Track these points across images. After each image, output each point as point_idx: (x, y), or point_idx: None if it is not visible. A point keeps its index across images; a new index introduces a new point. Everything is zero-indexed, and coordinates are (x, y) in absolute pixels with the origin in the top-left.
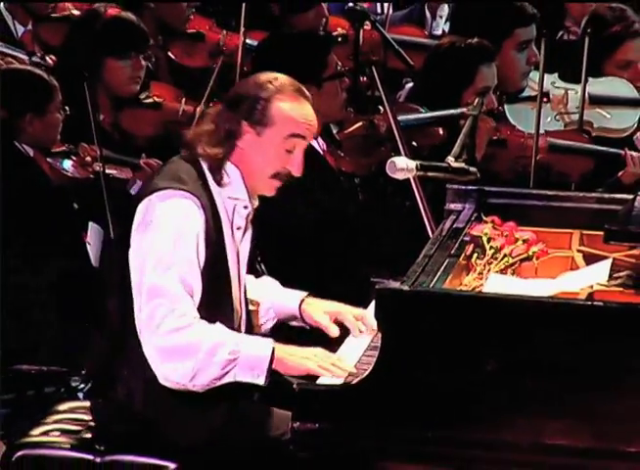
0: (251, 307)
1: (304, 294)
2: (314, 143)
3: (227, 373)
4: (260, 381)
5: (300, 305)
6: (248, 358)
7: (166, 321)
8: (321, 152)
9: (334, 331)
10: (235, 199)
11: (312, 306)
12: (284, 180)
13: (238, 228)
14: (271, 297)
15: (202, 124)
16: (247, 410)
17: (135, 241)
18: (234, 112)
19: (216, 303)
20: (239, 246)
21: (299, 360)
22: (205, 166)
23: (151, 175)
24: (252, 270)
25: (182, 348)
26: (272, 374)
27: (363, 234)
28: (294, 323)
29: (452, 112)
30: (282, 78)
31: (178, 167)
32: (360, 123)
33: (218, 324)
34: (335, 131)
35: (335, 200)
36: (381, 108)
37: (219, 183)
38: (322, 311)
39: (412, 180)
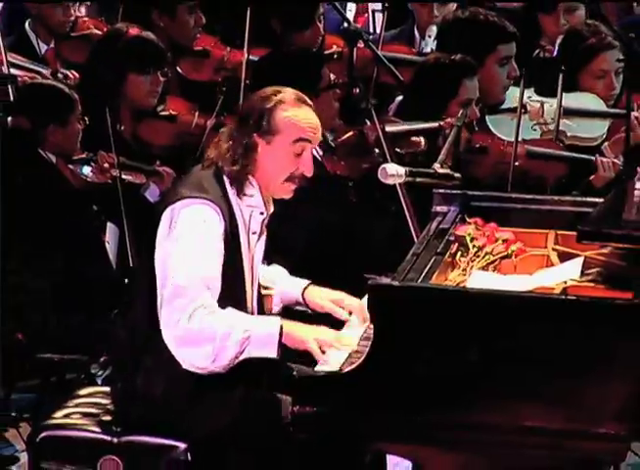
0: (266, 292)
1: (307, 282)
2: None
3: (243, 351)
4: (273, 354)
5: (303, 293)
6: (259, 336)
7: (185, 314)
8: (319, 157)
9: (342, 314)
10: (252, 206)
11: (314, 294)
12: (298, 182)
13: (254, 233)
14: (279, 285)
15: (221, 143)
16: (255, 396)
17: (161, 245)
18: (246, 127)
19: (231, 300)
20: (254, 249)
21: (305, 335)
22: (225, 178)
23: (174, 184)
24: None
25: (200, 334)
26: (281, 347)
27: (355, 231)
28: (298, 307)
29: (431, 125)
30: (283, 90)
31: (200, 178)
32: (352, 132)
33: (229, 308)
34: (330, 138)
35: (330, 200)
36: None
37: (239, 195)
38: (326, 298)
39: (398, 186)
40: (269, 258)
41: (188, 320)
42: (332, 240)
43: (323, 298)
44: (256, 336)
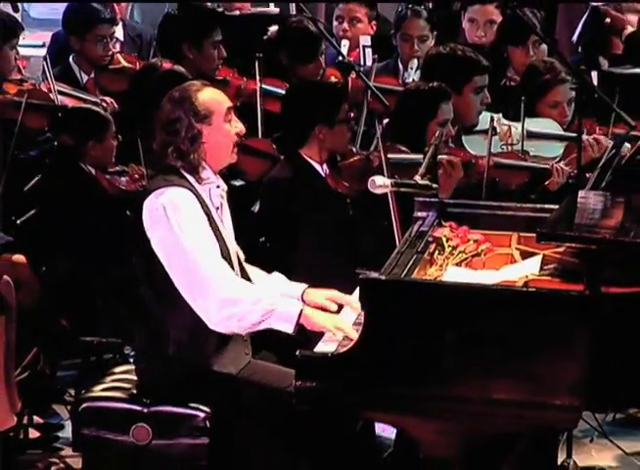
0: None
1: (305, 286)
2: (319, 168)
3: (264, 321)
4: (290, 330)
5: (302, 295)
6: (282, 311)
7: (222, 282)
8: (324, 175)
9: (331, 306)
10: (209, 183)
11: (312, 295)
12: (237, 144)
13: (217, 208)
14: (279, 290)
15: (161, 151)
16: (266, 368)
17: (152, 234)
18: (179, 124)
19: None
20: (224, 220)
21: (320, 322)
22: (182, 171)
23: (142, 191)
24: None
25: (236, 299)
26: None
27: (351, 238)
28: None
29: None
30: (182, 86)
31: (162, 176)
32: (358, 157)
33: (260, 285)
34: (338, 160)
35: (331, 212)
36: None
37: (198, 181)
38: (322, 297)
39: (389, 196)
40: (272, 266)
41: (233, 289)
42: (332, 242)
43: (318, 296)
44: (280, 310)
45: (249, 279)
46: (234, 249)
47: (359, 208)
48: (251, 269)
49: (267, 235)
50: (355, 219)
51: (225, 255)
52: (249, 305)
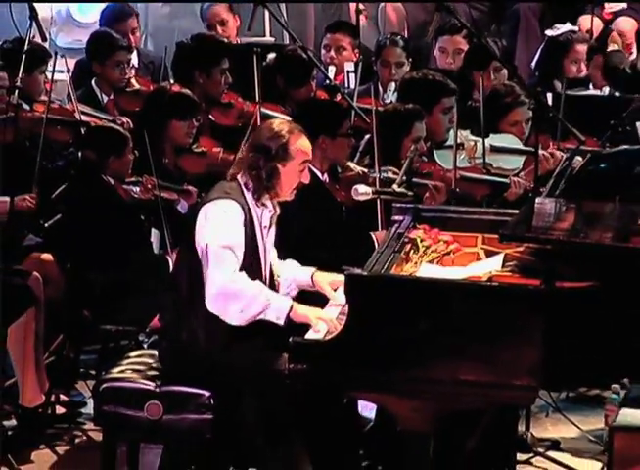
0: (276, 279)
1: (314, 269)
2: (320, 175)
3: (262, 313)
4: (280, 322)
5: (312, 278)
6: (276, 306)
7: (226, 275)
8: (324, 183)
9: (331, 296)
10: (264, 206)
11: (319, 278)
12: (298, 188)
13: (264, 227)
14: (293, 274)
15: (242, 163)
16: (266, 353)
17: (200, 233)
18: (267, 154)
19: (251, 273)
20: (266, 239)
21: (304, 316)
22: (243, 187)
23: (206, 193)
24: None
25: (239, 291)
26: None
27: (342, 240)
28: (308, 289)
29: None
30: (288, 124)
31: (224, 187)
32: (355, 172)
33: (257, 281)
34: (339, 171)
35: (329, 216)
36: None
37: (257, 203)
38: (326, 282)
39: (378, 203)
40: (285, 254)
41: (233, 282)
42: (328, 242)
43: (323, 281)
44: (274, 305)
45: (275, 290)
46: (265, 257)
47: (352, 215)
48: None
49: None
50: (348, 225)
51: (254, 262)
52: (248, 299)
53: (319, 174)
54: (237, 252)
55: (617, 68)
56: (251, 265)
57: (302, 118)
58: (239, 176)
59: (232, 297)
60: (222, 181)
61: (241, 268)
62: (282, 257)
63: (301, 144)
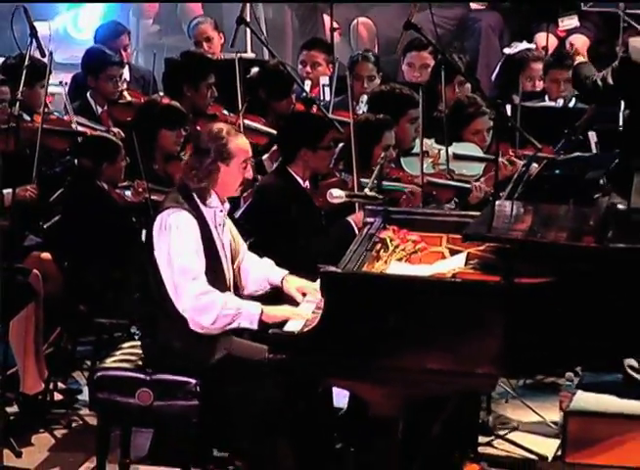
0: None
1: (286, 272)
2: (302, 182)
3: (233, 322)
4: (254, 327)
5: (282, 281)
6: (247, 314)
7: (194, 289)
8: (306, 189)
9: (299, 299)
10: (213, 207)
11: (289, 283)
12: (243, 184)
13: (219, 225)
14: (266, 274)
15: (186, 168)
16: (243, 344)
17: (157, 244)
18: (207, 156)
19: (214, 276)
20: (222, 236)
21: (277, 316)
22: (194, 194)
23: (161, 201)
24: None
25: (210, 305)
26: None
27: (319, 241)
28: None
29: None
30: (223, 126)
31: (176, 196)
32: (335, 179)
33: (227, 292)
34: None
35: (308, 219)
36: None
37: (204, 202)
38: (294, 287)
39: (357, 207)
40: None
41: (204, 296)
42: (300, 243)
43: (291, 287)
44: (244, 313)
45: (239, 282)
46: (226, 256)
47: (329, 218)
48: (249, 255)
49: (255, 232)
50: (325, 227)
51: (214, 266)
52: (219, 310)
53: (301, 181)
54: (199, 263)
55: (588, 78)
56: (212, 266)
57: (286, 132)
58: (186, 181)
59: (203, 311)
60: (171, 190)
61: (205, 272)
62: (261, 255)
63: (240, 143)
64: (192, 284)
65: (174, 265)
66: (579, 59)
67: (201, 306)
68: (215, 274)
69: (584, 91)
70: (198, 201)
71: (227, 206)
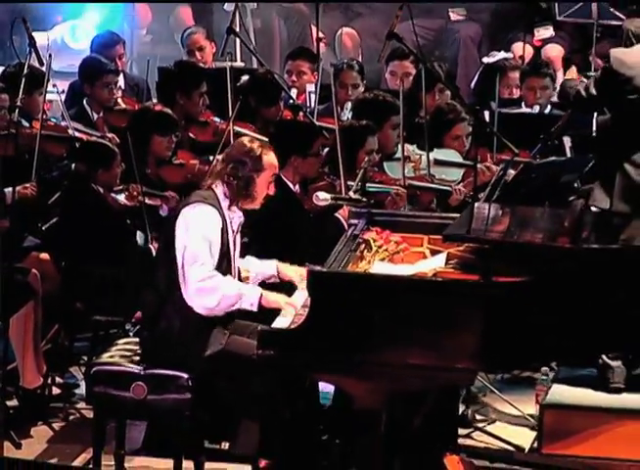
0: (244, 275)
1: (275, 261)
2: (292, 186)
3: (236, 303)
4: (254, 309)
5: (277, 269)
6: (248, 296)
7: (201, 273)
8: (296, 193)
9: (296, 280)
10: (234, 213)
11: (284, 269)
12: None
13: (233, 231)
14: (258, 268)
15: (218, 173)
16: (236, 340)
17: (179, 235)
18: (243, 166)
19: (223, 271)
20: (235, 242)
21: (275, 301)
22: (219, 194)
23: (185, 198)
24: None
25: (215, 287)
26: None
27: (309, 242)
28: (270, 281)
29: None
30: (259, 140)
31: (202, 194)
32: (325, 182)
33: (229, 276)
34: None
35: (298, 221)
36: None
37: (229, 208)
38: (291, 270)
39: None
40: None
41: (210, 279)
42: (296, 244)
43: (289, 269)
44: (246, 296)
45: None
46: (237, 261)
47: (317, 220)
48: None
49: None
50: (313, 229)
51: (225, 262)
52: (223, 292)
53: (291, 186)
54: (213, 251)
55: (572, 88)
56: (223, 266)
57: (277, 139)
58: (214, 186)
59: (209, 292)
60: (197, 190)
61: (215, 268)
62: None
63: (271, 158)
64: (200, 268)
65: (187, 249)
66: (570, 75)
67: (206, 289)
68: (224, 270)
69: (569, 101)
70: (224, 206)
71: (242, 218)
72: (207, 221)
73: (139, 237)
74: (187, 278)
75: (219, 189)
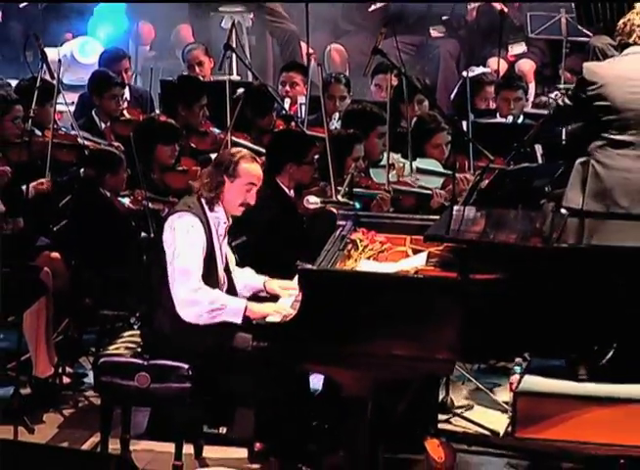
0: (235, 280)
1: (266, 278)
2: (287, 191)
3: (219, 316)
4: (238, 321)
5: (264, 284)
6: (232, 309)
7: (189, 286)
8: (291, 197)
9: (282, 294)
10: (219, 218)
11: (270, 283)
12: (245, 206)
13: (220, 235)
14: (248, 280)
15: (202, 179)
16: (231, 334)
17: (165, 242)
18: (219, 170)
19: (209, 277)
20: (221, 244)
21: (260, 311)
22: (203, 201)
23: (173, 206)
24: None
25: (199, 301)
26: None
27: (301, 243)
28: (261, 294)
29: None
30: (242, 150)
31: (187, 201)
32: (317, 188)
33: (217, 290)
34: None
35: (292, 223)
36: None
37: (210, 211)
38: (277, 285)
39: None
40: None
41: (194, 292)
42: (284, 244)
43: (274, 286)
44: (229, 308)
45: (233, 287)
46: (223, 263)
47: (310, 223)
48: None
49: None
50: (306, 231)
51: (210, 268)
52: (207, 305)
53: (287, 191)
54: (197, 262)
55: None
56: (209, 268)
57: (274, 147)
58: (200, 190)
59: (193, 304)
60: (186, 196)
61: (202, 273)
62: (247, 261)
63: (249, 167)
64: (187, 281)
65: (175, 264)
66: None
67: (192, 301)
68: (210, 275)
69: (550, 117)
70: (206, 208)
71: (230, 221)
72: (191, 233)
73: (152, 237)
74: (176, 290)
75: (200, 192)
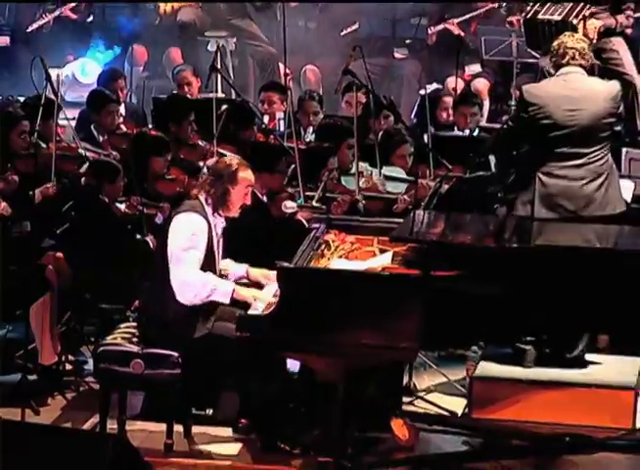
0: (224, 272)
1: (247, 265)
2: (261, 196)
3: (211, 295)
4: (227, 302)
5: (247, 271)
6: (222, 290)
7: (187, 272)
8: (264, 202)
9: (264, 282)
10: (217, 219)
11: (253, 272)
12: (242, 208)
13: (216, 234)
14: (232, 269)
15: (204, 186)
16: (221, 325)
17: (171, 238)
18: (221, 179)
19: (208, 268)
20: (219, 243)
21: (246, 295)
22: (204, 203)
23: (178, 207)
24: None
25: (194, 282)
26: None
27: (276, 244)
28: (242, 281)
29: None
30: (234, 158)
31: (191, 203)
32: (286, 193)
33: (208, 272)
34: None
35: (266, 226)
36: None
37: (214, 214)
38: (259, 273)
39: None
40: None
41: (188, 275)
42: (262, 243)
43: (257, 274)
44: (220, 290)
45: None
46: (218, 260)
47: (282, 225)
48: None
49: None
50: (279, 233)
51: (210, 262)
52: (200, 287)
53: (260, 196)
54: (197, 253)
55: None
56: (208, 264)
57: (251, 158)
58: (200, 195)
59: (188, 285)
60: (187, 200)
61: (201, 267)
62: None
63: (246, 174)
64: (183, 268)
65: (175, 252)
66: None
67: (187, 282)
68: (210, 270)
69: (497, 139)
70: (209, 212)
71: (224, 223)
72: (195, 228)
73: (156, 236)
74: (173, 277)
75: (203, 197)
